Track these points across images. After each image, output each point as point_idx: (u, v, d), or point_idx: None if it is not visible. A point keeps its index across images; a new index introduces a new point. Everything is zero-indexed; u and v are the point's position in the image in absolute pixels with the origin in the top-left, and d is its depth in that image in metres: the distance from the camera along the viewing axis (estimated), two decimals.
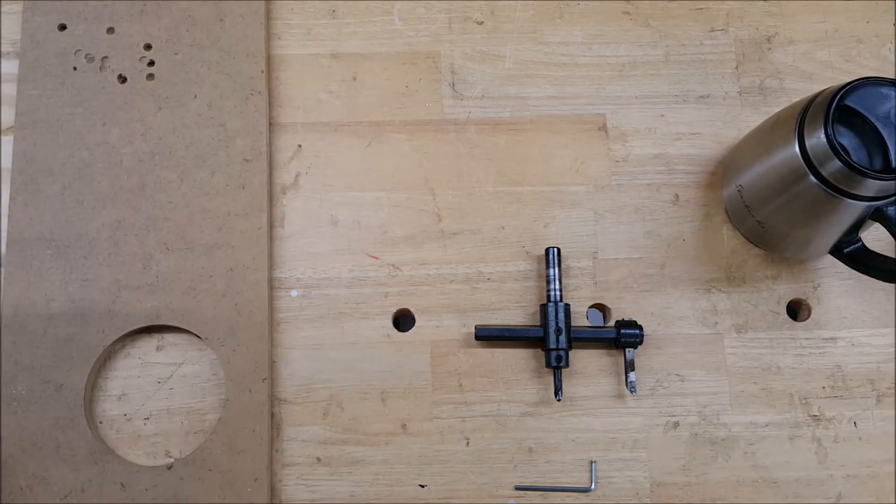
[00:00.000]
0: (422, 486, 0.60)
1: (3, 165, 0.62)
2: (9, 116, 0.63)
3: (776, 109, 0.60)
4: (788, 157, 0.54)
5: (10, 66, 0.65)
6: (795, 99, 0.58)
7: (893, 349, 0.62)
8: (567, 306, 0.60)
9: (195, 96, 0.64)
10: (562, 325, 0.60)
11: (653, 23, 0.68)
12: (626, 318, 0.61)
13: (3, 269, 0.60)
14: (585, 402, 0.61)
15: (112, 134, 0.63)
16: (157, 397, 0.60)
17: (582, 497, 0.60)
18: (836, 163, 0.50)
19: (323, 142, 0.65)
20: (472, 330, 0.61)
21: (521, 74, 0.67)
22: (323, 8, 0.67)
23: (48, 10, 0.65)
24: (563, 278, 0.63)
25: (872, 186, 0.50)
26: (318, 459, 0.60)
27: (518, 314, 0.63)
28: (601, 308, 0.64)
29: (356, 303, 0.62)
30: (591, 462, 0.60)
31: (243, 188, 0.62)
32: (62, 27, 0.65)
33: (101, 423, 0.60)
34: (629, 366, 0.60)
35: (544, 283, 0.62)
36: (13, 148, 0.62)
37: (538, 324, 0.61)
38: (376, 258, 0.63)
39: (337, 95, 0.66)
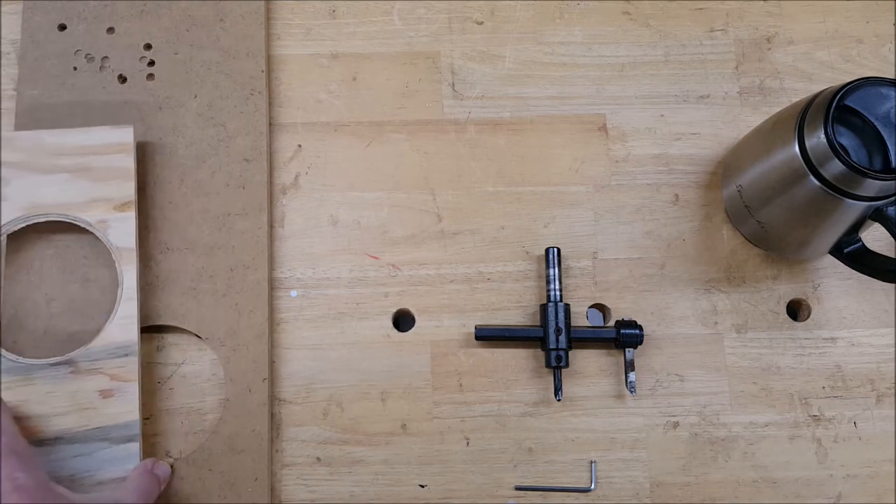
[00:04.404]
0: (422, 486, 0.60)
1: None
2: (9, 117, 0.63)
3: (776, 109, 0.60)
4: (788, 158, 0.54)
5: (10, 66, 0.65)
6: (795, 99, 0.58)
7: (893, 349, 0.62)
8: (567, 306, 0.60)
9: (195, 96, 0.64)
10: (562, 325, 0.60)
11: (653, 23, 0.68)
12: (626, 318, 0.61)
13: (3, 269, 0.60)
14: (585, 402, 0.61)
15: None
16: (157, 397, 0.60)
17: (582, 497, 0.60)
18: (836, 163, 0.50)
19: (323, 142, 0.65)
20: (472, 330, 0.61)
21: (521, 74, 0.67)
22: (323, 8, 0.67)
23: (48, 10, 0.65)
24: (563, 278, 0.63)
25: (872, 186, 0.50)
26: (318, 459, 0.60)
27: (518, 314, 0.63)
28: (601, 308, 0.64)
29: (356, 303, 0.62)
30: (591, 462, 0.60)
31: (243, 188, 0.62)
32: (62, 27, 0.65)
33: None
34: (629, 366, 0.60)
35: (544, 283, 0.62)
36: None
37: (538, 324, 0.61)
38: (376, 258, 0.63)
39: (337, 95, 0.66)
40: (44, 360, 0.57)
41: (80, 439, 0.55)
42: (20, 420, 0.55)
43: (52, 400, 0.56)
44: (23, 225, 0.59)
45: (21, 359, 0.57)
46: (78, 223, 0.59)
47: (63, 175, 0.59)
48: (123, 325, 0.57)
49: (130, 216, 0.59)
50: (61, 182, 0.59)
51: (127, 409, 0.56)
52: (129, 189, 0.59)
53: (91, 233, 0.59)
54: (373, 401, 0.61)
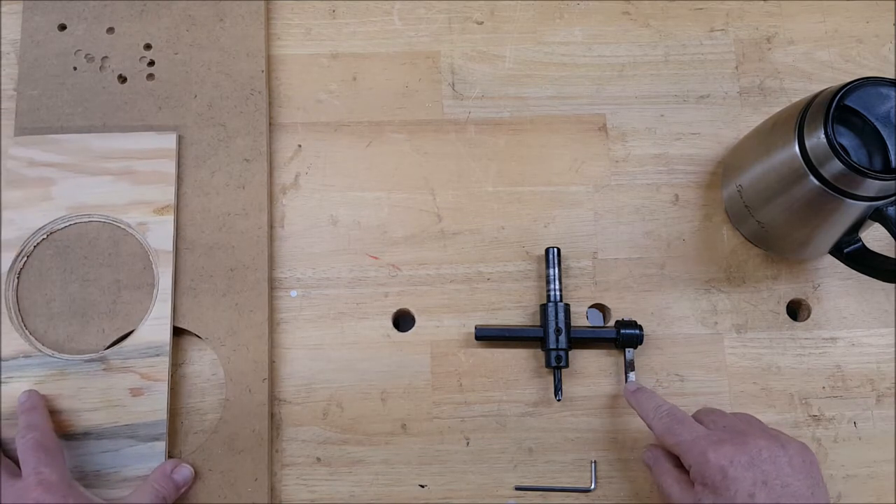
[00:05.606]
0: (422, 486, 0.60)
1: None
2: (9, 117, 0.63)
3: (776, 109, 0.60)
4: (788, 158, 0.54)
5: (10, 66, 0.65)
6: (795, 99, 0.58)
7: (893, 349, 0.62)
8: (567, 306, 0.60)
9: (195, 96, 0.64)
10: (562, 325, 0.60)
11: (653, 23, 0.68)
12: (626, 318, 0.61)
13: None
14: (585, 402, 0.61)
15: None
16: None
17: (582, 497, 0.60)
18: (836, 163, 0.50)
19: (323, 142, 0.65)
20: (472, 330, 0.61)
21: (521, 74, 0.67)
22: (323, 8, 0.67)
23: (48, 10, 0.65)
24: (563, 278, 0.63)
25: (872, 186, 0.50)
26: (318, 459, 0.60)
27: (518, 314, 0.63)
28: (601, 308, 0.64)
29: (356, 303, 0.62)
30: (592, 462, 0.60)
31: (243, 188, 0.62)
32: (62, 27, 0.65)
33: None
34: (629, 366, 0.60)
35: (544, 283, 0.62)
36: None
37: (538, 324, 0.61)
38: (376, 258, 0.63)
39: (337, 95, 0.66)
40: (78, 357, 0.58)
41: (108, 435, 0.56)
42: (53, 414, 0.56)
43: (84, 395, 0.57)
44: (66, 225, 0.60)
45: (57, 354, 0.58)
46: (119, 225, 0.60)
47: (107, 178, 0.61)
48: (156, 326, 0.58)
49: (169, 220, 0.60)
50: (105, 184, 0.61)
51: (155, 407, 0.57)
52: (169, 193, 0.60)
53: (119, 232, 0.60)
54: (373, 401, 0.61)
